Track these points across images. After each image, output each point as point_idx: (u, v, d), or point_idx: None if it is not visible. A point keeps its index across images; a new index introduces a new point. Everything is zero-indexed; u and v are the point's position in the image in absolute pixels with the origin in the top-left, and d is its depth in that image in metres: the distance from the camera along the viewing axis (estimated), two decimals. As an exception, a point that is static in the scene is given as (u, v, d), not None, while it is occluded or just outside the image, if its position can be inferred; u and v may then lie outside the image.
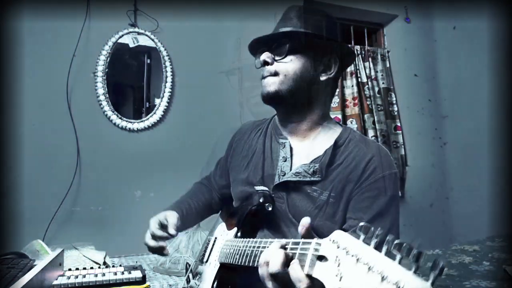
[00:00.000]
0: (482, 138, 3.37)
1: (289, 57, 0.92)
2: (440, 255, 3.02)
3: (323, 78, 0.96)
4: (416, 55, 3.58)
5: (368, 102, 3.37)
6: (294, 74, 0.92)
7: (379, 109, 3.41)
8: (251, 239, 0.80)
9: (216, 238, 1.05)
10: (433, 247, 3.19)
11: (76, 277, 1.13)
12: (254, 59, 1.01)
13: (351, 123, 3.30)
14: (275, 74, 0.93)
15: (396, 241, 0.44)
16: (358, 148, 0.93)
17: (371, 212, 0.87)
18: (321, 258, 0.53)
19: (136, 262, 1.60)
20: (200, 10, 2.60)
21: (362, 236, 0.49)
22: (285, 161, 0.97)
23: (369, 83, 3.41)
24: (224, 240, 0.97)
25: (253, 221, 0.93)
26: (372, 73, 3.46)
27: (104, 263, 1.43)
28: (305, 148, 0.97)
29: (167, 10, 2.62)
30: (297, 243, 0.59)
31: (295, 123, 0.97)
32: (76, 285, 1.10)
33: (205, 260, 1.02)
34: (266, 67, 0.95)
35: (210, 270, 0.94)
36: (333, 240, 0.52)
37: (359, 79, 3.39)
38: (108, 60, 2.43)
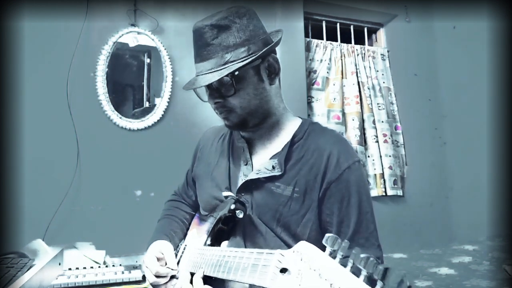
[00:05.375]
0: (481, 138, 3.37)
1: (238, 90, 0.88)
2: (440, 254, 3.02)
3: (272, 82, 0.93)
4: (416, 55, 3.59)
5: (368, 102, 3.37)
6: (248, 101, 0.89)
7: (380, 108, 3.41)
8: (218, 248, 0.79)
9: (186, 245, 1.03)
10: (433, 247, 3.19)
11: (76, 276, 1.13)
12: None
13: (353, 120, 3.30)
14: (232, 110, 0.90)
15: (362, 255, 0.43)
16: (318, 141, 0.92)
17: (341, 206, 0.87)
18: (284, 270, 0.51)
19: (136, 262, 1.59)
20: (200, 10, 2.60)
21: (329, 249, 0.47)
22: (246, 164, 0.96)
23: (369, 82, 3.41)
24: (193, 247, 0.95)
25: (224, 228, 0.90)
26: (372, 72, 3.46)
27: (104, 262, 1.43)
28: (265, 148, 0.96)
29: (167, 10, 2.62)
30: (261, 254, 0.58)
31: (254, 128, 0.95)
32: (76, 284, 1.10)
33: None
34: (219, 104, 0.90)
35: (179, 279, 0.93)
36: (297, 252, 0.50)
37: (359, 79, 3.39)
38: (108, 59, 2.43)
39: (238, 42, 0.86)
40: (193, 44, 0.91)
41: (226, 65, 0.85)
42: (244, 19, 0.88)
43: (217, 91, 0.90)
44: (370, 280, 0.42)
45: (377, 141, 3.34)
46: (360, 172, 0.90)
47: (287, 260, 0.51)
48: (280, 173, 0.89)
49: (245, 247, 0.90)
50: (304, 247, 0.50)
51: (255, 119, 0.93)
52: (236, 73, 0.86)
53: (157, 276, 0.95)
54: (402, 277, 0.40)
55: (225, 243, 0.86)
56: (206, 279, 0.78)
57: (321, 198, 0.88)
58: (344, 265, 0.44)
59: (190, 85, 0.92)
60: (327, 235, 0.48)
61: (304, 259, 0.48)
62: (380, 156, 3.32)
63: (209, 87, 0.90)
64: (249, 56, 0.86)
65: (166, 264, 0.97)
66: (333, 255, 0.47)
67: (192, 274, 0.86)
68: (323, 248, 0.49)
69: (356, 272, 0.43)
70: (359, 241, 0.86)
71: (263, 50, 0.88)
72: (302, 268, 0.47)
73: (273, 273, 0.52)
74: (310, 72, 3.29)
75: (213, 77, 0.85)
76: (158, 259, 0.97)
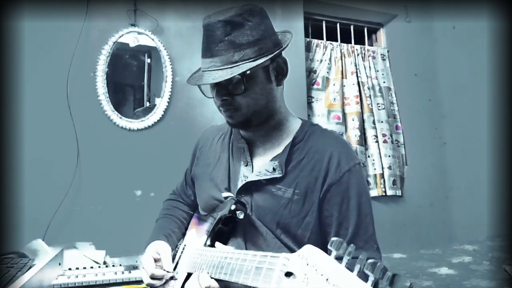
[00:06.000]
0: (481, 138, 3.37)
1: (247, 89, 0.87)
2: (440, 254, 3.02)
3: (279, 83, 0.93)
4: (416, 55, 3.58)
5: (368, 102, 3.37)
6: (255, 100, 0.89)
7: (380, 108, 3.41)
8: (220, 249, 0.78)
9: (185, 245, 1.02)
10: (433, 247, 3.19)
11: (76, 276, 1.13)
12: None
13: (353, 120, 3.30)
14: (238, 108, 0.89)
15: (370, 261, 0.42)
16: (318, 142, 0.92)
17: (341, 209, 0.87)
18: (289, 274, 0.50)
19: (136, 262, 1.59)
20: (200, 10, 2.60)
21: (334, 252, 0.47)
22: (246, 165, 0.96)
23: (369, 82, 3.41)
24: (193, 248, 0.94)
25: (224, 229, 0.90)
26: (372, 72, 3.46)
27: (104, 262, 1.43)
28: (266, 149, 0.96)
29: (167, 10, 2.62)
30: (265, 257, 0.57)
31: (256, 128, 0.95)
32: (76, 284, 1.10)
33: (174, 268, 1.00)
34: (226, 101, 0.89)
35: (178, 279, 0.92)
36: (302, 256, 0.49)
37: (359, 79, 3.39)
38: (108, 59, 2.43)
39: (251, 41, 0.85)
40: (203, 38, 0.89)
41: (238, 64, 0.84)
42: (257, 18, 0.88)
43: (225, 89, 0.88)
44: (378, 285, 0.42)
45: (377, 141, 3.34)
46: (361, 175, 0.90)
47: (292, 264, 0.50)
48: (280, 175, 0.88)
49: (246, 248, 0.90)
50: (310, 251, 0.49)
51: (258, 119, 0.93)
52: (248, 72, 0.85)
53: (153, 278, 0.94)
54: (410, 284, 0.40)
55: (219, 244, 0.86)
56: None
57: (321, 200, 0.88)
58: (351, 270, 0.44)
59: (196, 80, 0.90)
60: (332, 239, 0.48)
61: (310, 263, 0.47)
62: (380, 156, 3.33)
63: (217, 84, 0.88)
64: (260, 56, 0.86)
65: (162, 266, 0.96)
66: (339, 259, 0.46)
67: (190, 274, 0.85)
68: (327, 252, 0.48)
69: (362, 276, 0.43)
70: (359, 244, 0.86)
71: (276, 52, 0.87)
72: (308, 272, 0.47)
73: (278, 277, 0.51)
74: (310, 72, 3.29)
75: (225, 75, 0.84)
76: (155, 260, 0.96)
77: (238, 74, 0.84)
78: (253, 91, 0.88)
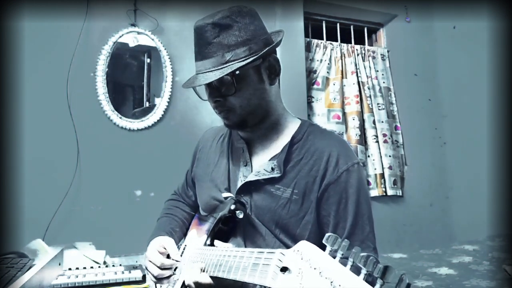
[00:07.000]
0: (481, 138, 3.37)
1: (238, 90, 0.87)
2: (440, 254, 3.03)
3: (272, 83, 0.93)
4: (416, 55, 3.59)
5: (368, 102, 3.37)
6: (248, 100, 0.89)
7: (380, 108, 3.41)
8: (218, 248, 0.79)
9: (186, 245, 1.03)
10: (433, 247, 3.19)
11: (76, 276, 1.13)
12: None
13: (353, 120, 3.30)
14: (231, 109, 0.90)
15: (362, 254, 0.44)
16: (317, 142, 0.92)
17: (338, 208, 0.87)
18: (284, 269, 0.51)
19: (136, 261, 1.59)
20: (200, 10, 2.60)
21: (329, 248, 0.48)
22: (245, 165, 0.96)
23: (369, 82, 3.42)
24: (193, 248, 0.95)
25: (224, 229, 0.91)
26: (372, 72, 3.46)
27: (104, 262, 1.43)
28: (265, 149, 0.96)
29: (167, 10, 2.63)
30: (262, 253, 0.58)
31: (253, 128, 0.95)
32: (76, 284, 1.10)
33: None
34: (219, 103, 0.90)
35: (179, 279, 0.92)
36: (297, 251, 0.50)
37: (359, 79, 3.39)
38: (108, 59, 2.43)
39: (239, 41, 0.86)
40: (194, 42, 0.91)
41: (227, 64, 0.85)
42: (246, 19, 0.88)
43: (217, 90, 0.89)
44: (370, 279, 0.43)
45: (377, 141, 3.34)
46: (359, 174, 0.90)
47: (287, 259, 0.51)
48: (279, 175, 0.89)
49: (245, 247, 0.90)
50: (304, 246, 0.50)
51: (254, 119, 0.93)
52: (237, 72, 0.85)
53: (162, 269, 0.95)
54: (401, 275, 0.40)
55: (218, 242, 0.86)
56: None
57: (319, 199, 0.88)
58: (344, 264, 0.45)
59: (190, 83, 0.92)
60: (327, 234, 0.49)
61: (304, 258, 0.48)
62: (380, 156, 3.33)
63: (209, 86, 0.90)
64: (250, 56, 0.86)
65: (170, 256, 0.97)
66: (333, 254, 0.47)
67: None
68: (323, 248, 0.49)
69: (356, 270, 0.44)
70: (354, 244, 0.86)
71: (264, 50, 0.87)
72: (302, 267, 0.48)
73: (273, 272, 0.52)
74: (310, 72, 3.29)
75: (214, 76, 0.85)
76: (161, 254, 0.97)
77: (229, 75, 0.85)
78: (245, 92, 0.89)
